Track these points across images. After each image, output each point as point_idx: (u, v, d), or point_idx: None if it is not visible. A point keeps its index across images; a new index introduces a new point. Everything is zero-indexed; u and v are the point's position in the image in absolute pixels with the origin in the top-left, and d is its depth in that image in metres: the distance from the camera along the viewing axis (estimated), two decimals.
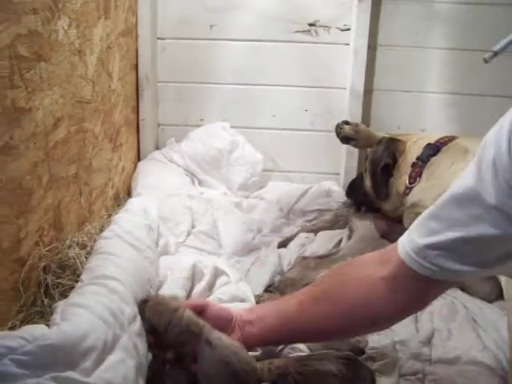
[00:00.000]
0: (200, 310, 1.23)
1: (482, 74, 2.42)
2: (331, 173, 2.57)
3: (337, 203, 2.33)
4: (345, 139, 2.26)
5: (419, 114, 2.51)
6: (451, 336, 1.49)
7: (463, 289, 1.70)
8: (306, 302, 1.18)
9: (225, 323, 1.23)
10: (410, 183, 1.93)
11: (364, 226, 2.12)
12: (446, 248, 0.96)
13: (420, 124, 2.51)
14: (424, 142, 1.98)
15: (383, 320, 1.15)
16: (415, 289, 1.05)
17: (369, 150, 2.23)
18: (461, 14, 2.38)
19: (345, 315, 1.14)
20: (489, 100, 2.45)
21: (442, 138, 1.96)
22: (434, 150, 1.92)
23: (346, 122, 2.27)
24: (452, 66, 2.45)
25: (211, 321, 1.21)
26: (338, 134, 2.26)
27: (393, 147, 2.05)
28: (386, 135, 2.21)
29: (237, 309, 1.32)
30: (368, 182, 2.13)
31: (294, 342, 1.33)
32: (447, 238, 0.96)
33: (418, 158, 1.94)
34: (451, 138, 1.95)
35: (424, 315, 1.57)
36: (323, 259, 1.90)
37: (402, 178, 1.98)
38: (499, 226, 0.89)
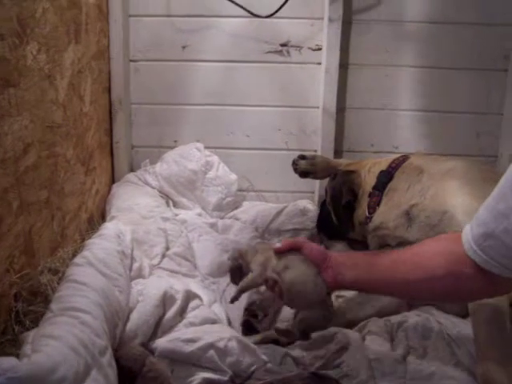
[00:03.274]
0: (297, 248, 1.35)
1: (452, 91, 2.48)
2: (306, 191, 2.57)
3: (312, 222, 2.33)
4: (302, 174, 2.27)
5: (392, 131, 2.54)
6: (426, 353, 1.49)
7: (438, 307, 1.71)
8: (398, 262, 1.23)
9: (319, 262, 1.32)
10: (369, 213, 1.93)
11: (339, 243, 2.14)
12: (494, 238, 0.98)
13: (393, 141, 2.54)
14: (377, 170, 1.98)
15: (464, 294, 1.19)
16: (476, 277, 1.07)
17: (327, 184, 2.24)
18: (429, 33, 2.42)
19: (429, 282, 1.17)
20: (459, 116, 2.49)
21: (393, 162, 1.97)
22: (387, 176, 1.93)
23: (302, 157, 2.27)
24: (423, 84, 2.48)
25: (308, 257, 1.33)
26: (295, 170, 2.28)
27: (350, 182, 2.06)
28: (343, 162, 2.23)
29: (333, 251, 1.50)
30: (334, 217, 2.13)
31: (378, 293, 1.49)
32: (494, 229, 0.98)
33: (373, 188, 1.95)
34: (403, 160, 1.96)
35: (399, 332, 1.58)
36: None
37: (362, 209, 1.98)
38: None
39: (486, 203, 1.02)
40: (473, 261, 1.04)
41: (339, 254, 1.38)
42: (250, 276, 1.35)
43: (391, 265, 1.23)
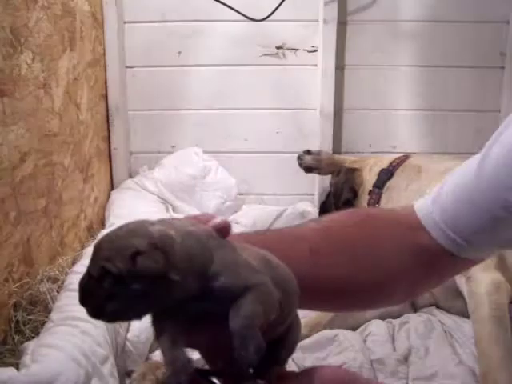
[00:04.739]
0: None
1: (448, 90, 2.47)
2: (306, 194, 2.57)
3: None
4: (307, 169, 2.29)
5: (390, 131, 2.54)
6: (428, 353, 1.49)
7: (438, 306, 1.71)
8: (321, 251, 0.80)
9: None
10: None
11: None
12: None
13: (391, 141, 2.53)
14: (378, 168, 2.01)
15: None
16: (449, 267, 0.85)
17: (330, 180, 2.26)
18: (424, 32, 2.42)
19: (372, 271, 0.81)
20: (457, 114, 2.49)
21: (394, 161, 1.99)
22: (388, 174, 1.95)
23: (308, 152, 2.29)
24: (419, 83, 2.48)
25: None
26: (300, 165, 2.30)
27: (351, 180, 2.08)
28: (348, 159, 2.24)
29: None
30: None
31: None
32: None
33: (374, 186, 1.97)
34: (404, 159, 1.98)
35: (401, 333, 1.58)
36: None
37: (362, 206, 1.99)
38: None
39: (465, 184, 0.79)
40: (447, 251, 0.80)
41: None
42: None
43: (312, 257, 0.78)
